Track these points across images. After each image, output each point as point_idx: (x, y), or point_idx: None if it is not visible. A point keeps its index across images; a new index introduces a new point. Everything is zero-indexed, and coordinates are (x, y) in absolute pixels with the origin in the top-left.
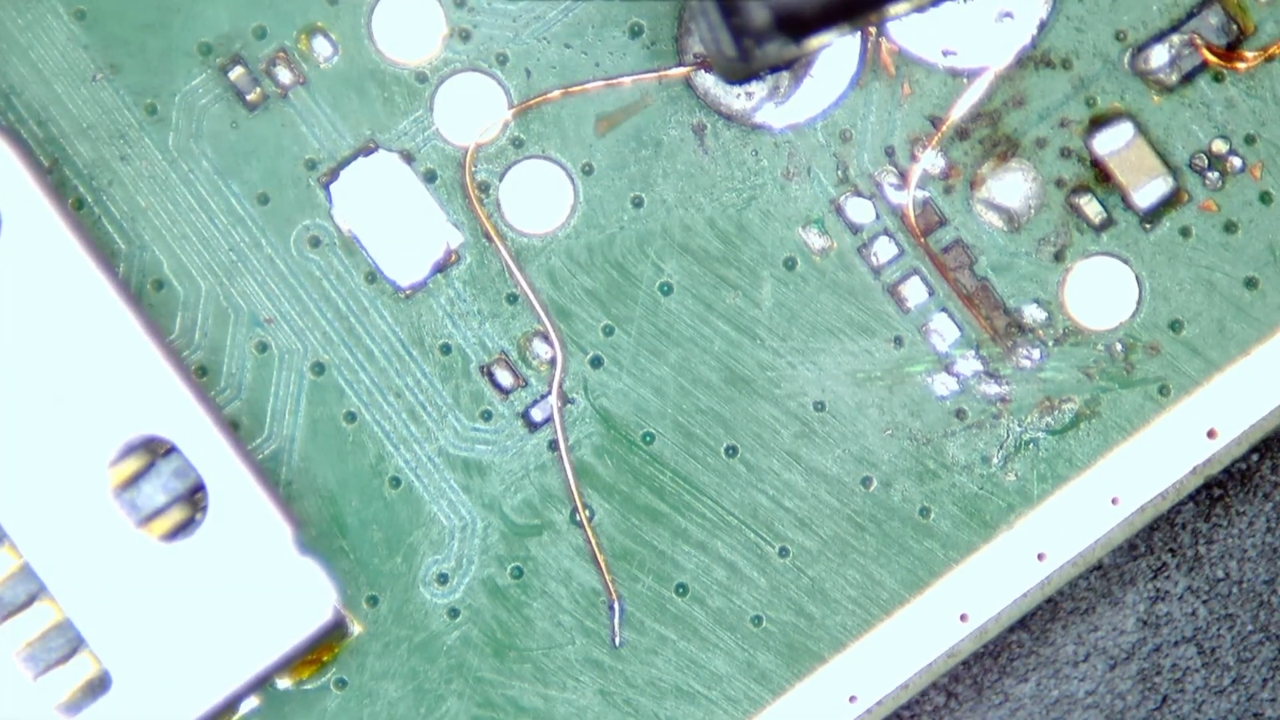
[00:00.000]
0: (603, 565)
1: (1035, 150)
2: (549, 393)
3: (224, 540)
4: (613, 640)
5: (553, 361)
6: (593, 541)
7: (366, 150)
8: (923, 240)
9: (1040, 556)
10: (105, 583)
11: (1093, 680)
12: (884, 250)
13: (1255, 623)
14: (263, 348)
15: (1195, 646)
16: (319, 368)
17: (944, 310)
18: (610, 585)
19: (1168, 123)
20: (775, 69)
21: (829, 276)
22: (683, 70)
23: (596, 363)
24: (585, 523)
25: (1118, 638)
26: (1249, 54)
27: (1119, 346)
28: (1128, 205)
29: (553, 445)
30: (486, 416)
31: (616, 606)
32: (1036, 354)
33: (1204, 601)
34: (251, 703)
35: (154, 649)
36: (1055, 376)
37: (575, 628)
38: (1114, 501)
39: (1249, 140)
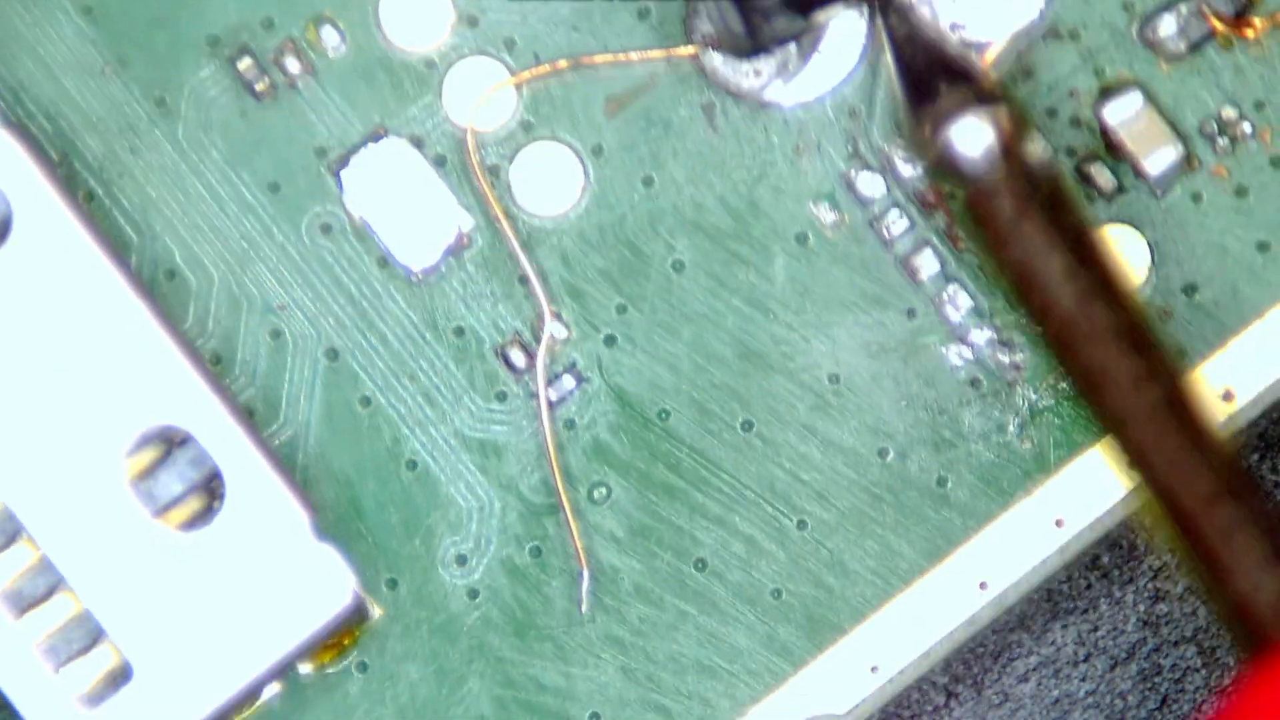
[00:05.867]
0: (574, 531)
1: (1045, 120)
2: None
3: (242, 528)
4: (579, 608)
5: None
6: (568, 509)
7: (376, 137)
8: (944, 205)
9: (1059, 523)
10: (124, 574)
11: (1093, 680)
12: (895, 223)
13: None
14: (276, 335)
15: (1195, 646)
16: (333, 353)
17: (956, 281)
18: (580, 553)
19: (1177, 91)
20: (783, 42)
21: (841, 250)
22: (690, 49)
23: (610, 341)
24: (563, 497)
25: (1118, 638)
26: (1257, 21)
27: None
28: (1138, 173)
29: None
30: (501, 397)
31: (585, 574)
32: None
33: (1204, 601)
34: (274, 689)
35: (174, 638)
36: None
37: (595, 605)
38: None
39: (1258, 106)
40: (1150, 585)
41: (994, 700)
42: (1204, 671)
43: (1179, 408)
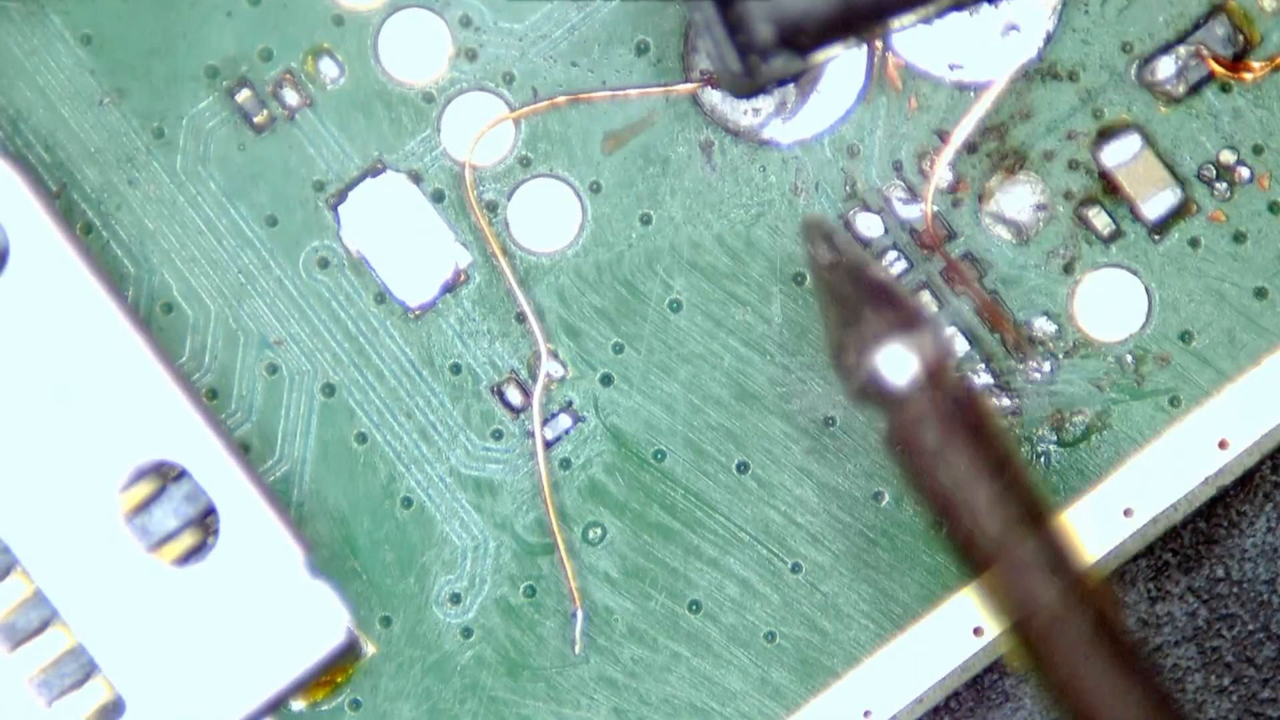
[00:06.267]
0: (568, 571)
1: (1043, 163)
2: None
3: (236, 564)
4: (573, 648)
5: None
6: (562, 549)
7: (374, 171)
8: (942, 249)
9: None
10: (117, 608)
11: None
12: (893, 265)
13: (1255, 623)
14: (273, 370)
15: (1195, 646)
16: (329, 389)
17: (953, 324)
18: (575, 593)
19: (1175, 134)
20: (782, 82)
21: None
22: (689, 86)
23: (606, 380)
24: (557, 537)
25: None
26: (1256, 64)
27: (1129, 358)
28: (1136, 217)
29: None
30: (497, 436)
31: (580, 615)
32: (1047, 366)
33: (1204, 601)
34: None
35: (167, 674)
36: (1066, 389)
37: (588, 646)
38: (1126, 513)
39: (1257, 150)
40: (1150, 585)
41: (994, 700)
42: (1204, 671)
43: (1106, 634)
